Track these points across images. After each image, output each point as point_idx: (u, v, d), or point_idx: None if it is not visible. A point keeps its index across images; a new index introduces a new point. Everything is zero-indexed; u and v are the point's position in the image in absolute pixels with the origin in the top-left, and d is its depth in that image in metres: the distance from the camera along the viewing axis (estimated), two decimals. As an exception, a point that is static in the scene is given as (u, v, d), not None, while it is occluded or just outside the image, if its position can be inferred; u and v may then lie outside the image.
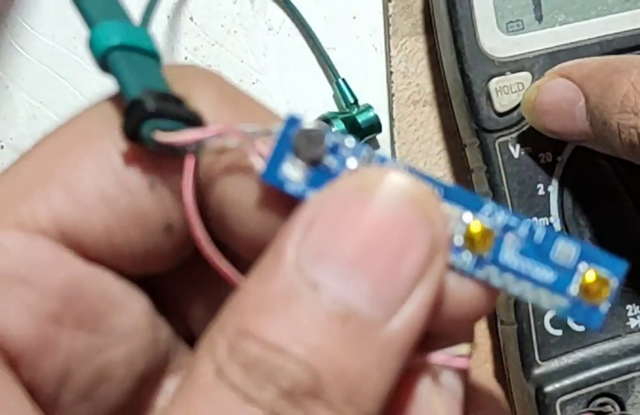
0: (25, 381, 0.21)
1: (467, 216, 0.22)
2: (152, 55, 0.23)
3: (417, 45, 0.49)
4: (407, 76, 0.49)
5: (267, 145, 0.22)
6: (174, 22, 0.51)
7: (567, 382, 0.44)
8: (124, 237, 0.22)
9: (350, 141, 0.22)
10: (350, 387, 0.19)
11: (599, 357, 0.44)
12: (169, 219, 0.22)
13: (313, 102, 0.51)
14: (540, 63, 0.43)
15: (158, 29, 0.51)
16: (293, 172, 0.22)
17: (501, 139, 0.43)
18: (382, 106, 0.50)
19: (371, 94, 0.50)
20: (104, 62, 0.22)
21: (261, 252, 0.21)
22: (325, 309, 0.19)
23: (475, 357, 0.49)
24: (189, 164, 0.22)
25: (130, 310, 0.23)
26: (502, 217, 0.22)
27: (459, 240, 0.22)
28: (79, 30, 0.50)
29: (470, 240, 0.22)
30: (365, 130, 0.49)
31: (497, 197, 0.44)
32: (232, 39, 0.51)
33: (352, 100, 0.49)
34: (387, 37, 0.50)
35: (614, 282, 0.22)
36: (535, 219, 0.43)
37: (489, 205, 0.22)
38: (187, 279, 0.25)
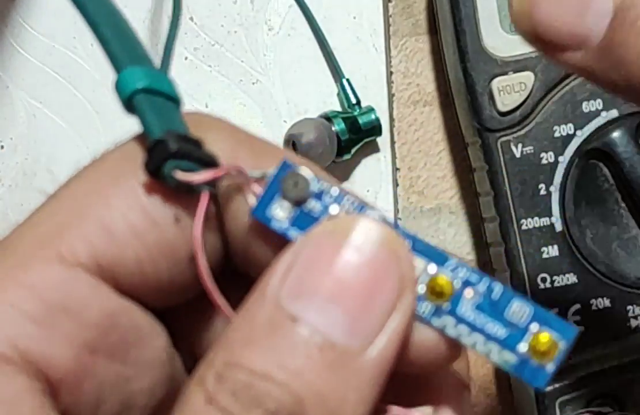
0: (63, 408, 0.22)
1: (432, 268, 0.23)
2: (173, 99, 0.25)
3: (418, 46, 0.49)
4: (407, 76, 0.49)
5: (263, 186, 0.24)
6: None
7: (566, 382, 0.44)
8: (153, 268, 0.23)
9: (335, 190, 0.24)
10: (330, 410, 0.21)
11: (598, 357, 0.44)
12: (191, 249, 0.24)
13: (313, 102, 0.51)
14: (542, 63, 0.43)
15: (158, 30, 0.51)
16: (280, 212, 0.24)
17: (503, 139, 0.43)
18: (382, 106, 0.50)
19: (371, 94, 0.50)
20: (129, 103, 0.24)
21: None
22: (305, 340, 0.21)
23: (476, 357, 0.49)
24: (204, 200, 0.23)
25: (154, 344, 0.24)
26: (463, 272, 0.23)
27: (422, 289, 0.23)
28: (79, 30, 0.50)
29: (431, 291, 0.23)
30: (365, 132, 0.49)
31: (498, 196, 0.44)
32: (232, 39, 0.51)
33: (354, 101, 0.49)
34: (388, 37, 0.50)
35: (563, 345, 0.23)
36: (537, 219, 0.44)
37: (452, 261, 0.23)
38: (197, 317, 0.26)
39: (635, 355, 0.44)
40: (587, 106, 0.43)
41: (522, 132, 0.43)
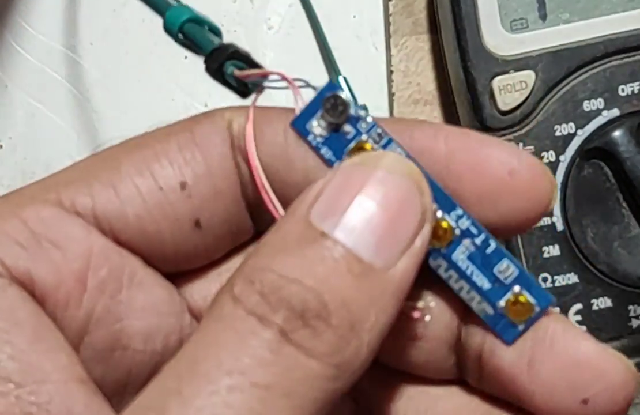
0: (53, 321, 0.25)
1: (439, 212, 0.25)
2: (213, 29, 0.29)
3: (418, 45, 0.49)
4: (407, 75, 0.49)
5: (305, 100, 0.26)
6: (174, 22, 0.51)
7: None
8: (154, 228, 0.25)
9: (369, 118, 0.25)
10: (353, 317, 0.22)
11: (600, 357, 0.44)
12: (197, 215, 0.26)
13: (313, 102, 0.50)
14: (544, 62, 0.43)
15: (157, 29, 0.51)
16: (317, 128, 0.26)
17: (504, 138, 0.43)
18: (383, 105, 0.50)
19: (371, 94, 0.50)
20: (181, 32, 0.29)
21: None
22: (333, 252, 0.22)
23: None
24: (258, 94, 0.27)
25: (152, 292, 0.26)
26: (466, 224, 0.25)
27: None
28: (79, 30, 0.50)
29: (434, 232, 0.25)
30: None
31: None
32: (232, 38, 0.51)
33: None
34: (388, 36, 0.50)
35: (537, 310, 0.25)
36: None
37: (459, 210, 0.25)
38: (206, 285, 0.28)
39: (637, 355, 0.44)
40: (588, 105, 0.43)
41: (523, 131, 0.43)
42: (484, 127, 0.43)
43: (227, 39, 0.50)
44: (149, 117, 0.50)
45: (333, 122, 0.26)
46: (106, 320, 0.25)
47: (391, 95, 0.49)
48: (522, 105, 0.43)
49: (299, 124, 0.26)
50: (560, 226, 0.43)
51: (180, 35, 0.29)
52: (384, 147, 0.25)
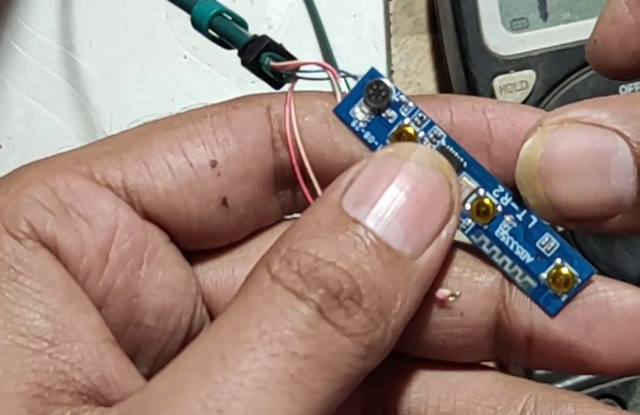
0: None
1: (482, 190, 0.26)
2: (240, 21, 0.29)
3: (418, 44, 0.49)
4: (408, 75, 0.49)
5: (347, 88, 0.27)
6: (173, 21, 0.51)
7: (568, 382, 0.44)
8: (181, 203, 0.26)
9: (411, 103, 0.26)
10: (382, 302, 0.23)
11: (600, 357, 0.44)
12: (225, 193, 0.27)
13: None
14: (544, 61, 0.43)
15: (157, 28, 0.51)
16: (360, 114, 0.26)
17: (504, 138, 0.43)
18: (383, 105, 0.50)
19: (372, 93, 0.50)
20: (211, 25, 0.29)
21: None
22: (364, 239, 0.24)
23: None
24: (293, 85, 0.27)
25: (171, 269, 0.27)
26: (508, 201, 0.26)
27: (468, 206, 0.26)
28: (78, 30, 0.50)
29: (476, 210, 0.26)
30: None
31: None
32: (232, 37, 0.51)
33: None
34: (388, 35, 0.50)
35: (579, 281, 0.26)
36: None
37: (501, 188, 0.26)
38: (224, 270, 0.29)
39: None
40: (589, 105, 0.43)
41: (524, 131, 0.43)
42: (485, 126, 0.43)
43: (226, 38, 0.50)
44: (148, 117, 0.49)
45: (375, 107, 0.26)
46: (124, 294, 0.26)
47: (391, 94, 0.49)
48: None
49: (342, 110, 0.27)
50: (560, 226, 0.43)
51: (209, 30, 0.30)
52: (426, 130, 0.26)
